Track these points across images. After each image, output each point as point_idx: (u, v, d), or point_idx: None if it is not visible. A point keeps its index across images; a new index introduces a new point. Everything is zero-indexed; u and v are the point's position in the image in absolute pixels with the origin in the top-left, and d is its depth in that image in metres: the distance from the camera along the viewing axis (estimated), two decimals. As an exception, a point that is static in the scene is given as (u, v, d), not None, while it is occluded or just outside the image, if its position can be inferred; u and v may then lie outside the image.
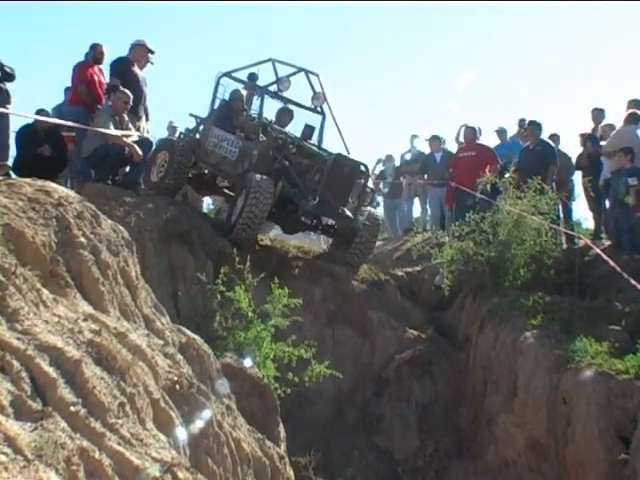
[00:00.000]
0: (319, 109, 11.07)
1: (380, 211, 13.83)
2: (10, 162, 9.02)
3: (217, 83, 11.17)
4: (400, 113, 62.33)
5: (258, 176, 9.13)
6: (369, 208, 10.57)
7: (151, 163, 10.88)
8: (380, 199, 14.73)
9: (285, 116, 11.01)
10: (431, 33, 70.82)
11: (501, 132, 13.38)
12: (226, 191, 11.24)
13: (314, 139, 10.84)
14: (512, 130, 13.55)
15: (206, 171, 11.10)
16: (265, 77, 11.26)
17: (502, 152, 12.18)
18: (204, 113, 11.34)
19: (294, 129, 11.02)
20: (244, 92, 11.42)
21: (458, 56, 63.32)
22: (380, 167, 15.55)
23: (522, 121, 12.97)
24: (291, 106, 11.15)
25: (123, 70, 10.12)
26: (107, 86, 10.03)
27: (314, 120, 11.05)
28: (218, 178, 11.14)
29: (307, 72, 10.96)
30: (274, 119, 11.03)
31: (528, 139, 11.75)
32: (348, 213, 9.84)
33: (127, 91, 9.45)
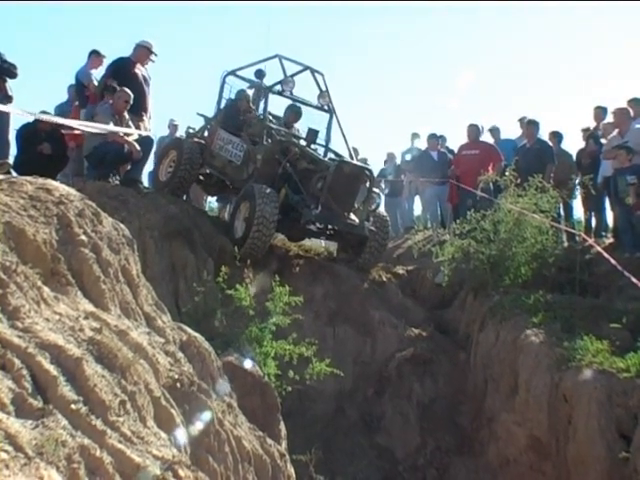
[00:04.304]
0: (325, 107, 10.99)
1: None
2: (11, 160, 9.04)
3: (223, 82, 11.05)
4: (402, 112, 62.38)
5: (261, 188, 9.00)
6: (380, 210, 10.49)
7: (159, 162, 10.87)
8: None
9: (293, 114, 10.94)
10: (432, 33, 70.76)
11: (494, 131, 13.34)
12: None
13: (322, 138, 10.76)
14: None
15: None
16: (271, 75, 11.23)
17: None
18: (206, 110, 11.31)
19: (301, 127, 10.99)
20: (250, 92, 11.35)
21: (459, 56, 63.37)
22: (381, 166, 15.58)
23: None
24: (298, 104, 11.08)
25: (123, 71, 10.11)
26: (105, 86, 10.05)
27: (321, 118, 10.99)
28: None
29: (312, 70, 10.92)
30: (282, 116, 10.99)
31: (526, 138, 11.80)
32: (354, 218, 9.75)
33: (127, 90, 9.46)
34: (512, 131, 13.65)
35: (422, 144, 14.48)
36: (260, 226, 8.81)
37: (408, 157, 14.78)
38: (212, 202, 14.47)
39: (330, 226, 10.03)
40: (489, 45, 72.15)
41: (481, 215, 9.35)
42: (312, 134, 10.32)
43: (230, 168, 10.25)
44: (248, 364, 6.12)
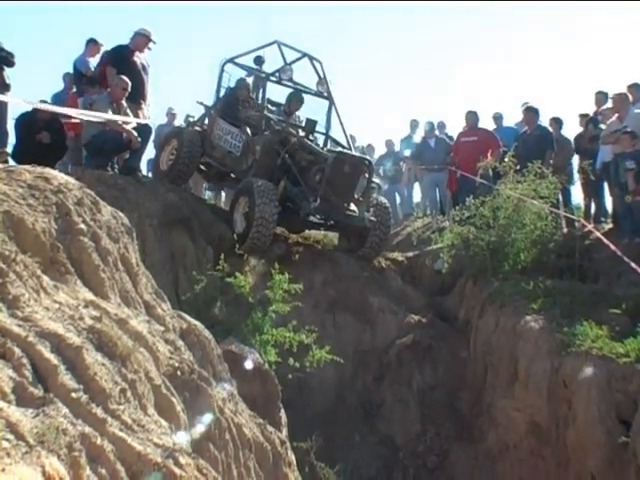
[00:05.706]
0: (325, 94, 10.91)
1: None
2: (9, 149, 9.02)
3: (221, 70, 10.94)
4: (404, 99, 62.25)
5: (260, 185, 8.94)
6: (380, 198, 10.43)
7: (161, 151, 10.82)
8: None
9: (295, 102, 10.86)
10: (434, 22, 70.55)
11: (497, 118, 13.33)
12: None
13: (322, 125, 10.71)
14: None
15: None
16: (270, 62, 11.14)
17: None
18: (204, 99, 11.24)
19: (302, 114, 10.95)
20: (249, 80, 11.28)
21: (460, 44, 63.20)
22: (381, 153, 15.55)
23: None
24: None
25: (121, 59, 10.07)
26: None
27: (320, 106, 10.93)
28: None
29: (311, 58, 10.86)
30: (284, 103, 10.94)
31: (525, 124, 11.78)
32: (354, 208, 9.70)
33: (125, 78, 9.42)
34: (514, 117, 13.63)
35: (422, 132, 14.47)
36: (260, 227, 8.79)
37: (407, 152, 14.77)
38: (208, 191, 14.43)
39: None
40: (490, 33, 71.95)
41: (480, 201, 9.34)
42: (310, 125, 10.24)
43: (230, 159, 10.20)
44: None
